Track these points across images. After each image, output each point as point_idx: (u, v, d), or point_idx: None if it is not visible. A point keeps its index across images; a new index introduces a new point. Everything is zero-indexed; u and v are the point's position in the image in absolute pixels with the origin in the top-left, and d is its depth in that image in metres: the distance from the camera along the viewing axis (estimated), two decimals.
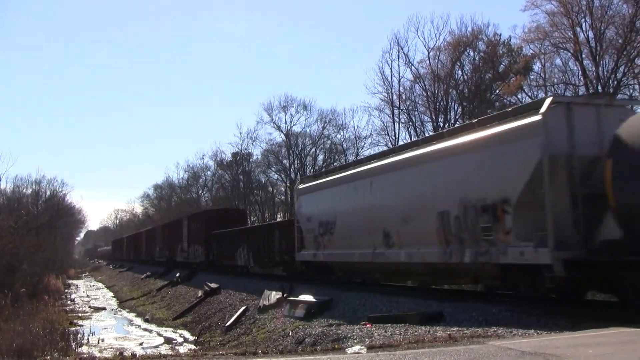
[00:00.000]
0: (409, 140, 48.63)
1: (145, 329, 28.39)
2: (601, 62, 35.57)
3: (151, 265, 59.49)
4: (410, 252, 17.23)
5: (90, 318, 33.21)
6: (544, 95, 40.33)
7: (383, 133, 54.30)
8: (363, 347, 9.78)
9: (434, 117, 47.35)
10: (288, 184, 67.24)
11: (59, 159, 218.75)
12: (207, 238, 40.42)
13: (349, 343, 12.56)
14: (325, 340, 14.36)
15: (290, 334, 17.10)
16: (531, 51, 40.57)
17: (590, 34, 35.80)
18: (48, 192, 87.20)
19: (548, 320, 11.70)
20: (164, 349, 21.11)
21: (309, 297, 20.01)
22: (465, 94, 45.79)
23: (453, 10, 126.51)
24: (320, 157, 67.67)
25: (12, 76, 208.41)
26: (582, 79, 36.57)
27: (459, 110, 46.85)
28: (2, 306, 26.70)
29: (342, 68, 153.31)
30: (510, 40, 45.00)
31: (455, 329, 12.04)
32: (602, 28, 35.38)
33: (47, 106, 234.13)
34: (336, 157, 64.30)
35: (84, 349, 21.26)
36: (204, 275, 37.55)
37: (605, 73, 35.34)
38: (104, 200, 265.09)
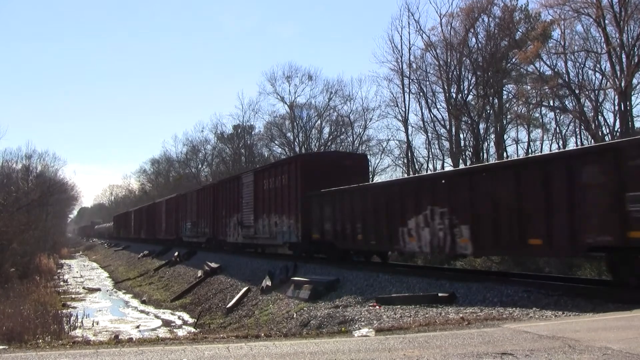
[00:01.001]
0: (420, 112, 48.32)
1: (142, 311, 28.55)
2: (626, 28, 35.10)
3: (151, 244, 59.63)
4: None
5: (84, 300, 33.42)
6: (563, 63, 40.05)
7: (392, 104, 54.00)
8: (371, 329, 9.78)
9: (446, 88, 47.01)
10: None
11: (51, 131, 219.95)
12: (305, 202, 25.50)
13: (357, 325, 12.59)
14: (331, 322, 14.40)
15: (294, 316, 17.16)
16: (550, 17, 40.11)
17: None
18: (39, 167, 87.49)
19: (567, 301, 11.70)
20: (162, 332, 21.24)
21: (314, 278, 20.06)
22: (479, 62, 45.35)
23: None
24: (326, 129, 67.45)
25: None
26: (604, 46, 36.13)
27: (473, 80, 46.51)
28: None
29: (349, 36, 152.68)
30: (527, 5, 44.51)
31: (468, 310, 12.05)
32: None
33: (38, 76, 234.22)
34: (343, 130, 64.11)
35: (78, 332, 21.44)
36: (204, 254, 37.69)
37: (630, 40, 34.87)
38: (98, 174, 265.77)
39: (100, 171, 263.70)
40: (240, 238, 32.88)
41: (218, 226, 37.45)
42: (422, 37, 49.80)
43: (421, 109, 49.33)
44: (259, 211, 29.98)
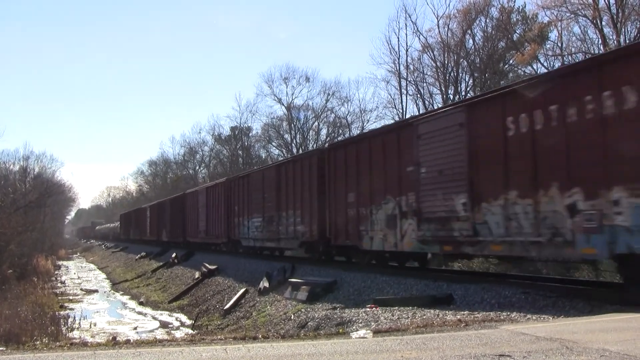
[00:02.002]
0: (417, 114, 48.34)
1: (140, 313, 28.53)
2: (623, 29, 35.19)
3: (147, 246, 59.48)
4: None
5: (82, 301, 33.38)
6: (560, 65, 40.07)
7: (390, 106, 54.15)
8: (369, 331, 9.77)
9: (443, 89, 47.10)
10: None
11: (48, 133, 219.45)
12: None
13: (354, 327, 12.58)
14: (328, 324, 14.39)
15: (292, 317, 17.15)
16: (547, 18, 40.22)
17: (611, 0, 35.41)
18: (36, 169, 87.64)
19: (565, 303, 11.69)
20: (160, 334, 21.21)
21: (311, 279, 20.05)
22: (476, 64, 45.46)
23: None
24: (324, 131, 67.59)
25: None
26: (602, 48, 36.21)
27: (470, 81, 46.58)
28: None
29: (346, 37, 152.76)
30: (525, 6, 44.68)
31: (466, 312, 12.04)
32: None
33: (35, 77, 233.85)
34: (340, 131, 64.17)
35: (75, 333, 21.45)
36: (202, 255, 37.61)
37: (627, 42, 34.88)
38: (96, 176, 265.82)
39: (98, 172, 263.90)
40: (414, 241, 17.20)
41: (335, 222, 21.79)
42: (419, 38, 50.04)
43: (418, 111, 49.37)
44: (489, 186, 14.74)
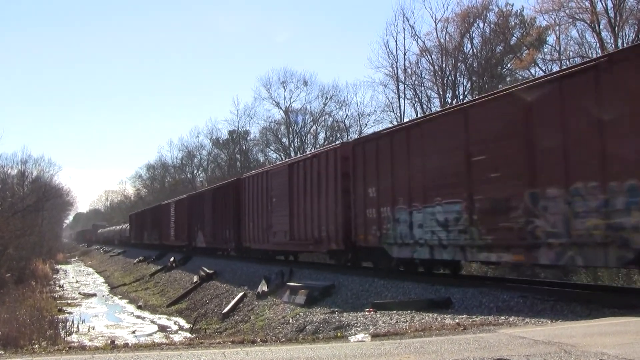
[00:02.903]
0: (415, 117, 48.49)
1: (138, 316, 28.47)
2: (620, 33, 35.26)
3: (145, 250, 59.35)
4: None
5: (80, 305, 33.33)
6: (558, 69, 40.11)
7: (388, 109, 54.12)
8: (367, 335, 9.77)
9: (441, 93, 47.12)
10: None
11: (46, 136, 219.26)
12: None
13: (352, 331, 12.57)
14: (327, 328, 14.37)
15: (290, 321, 17.14)
16: (545, 22, 40.29)
17: (609, 3, 35.45)
18: (35, 173, 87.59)
19: (563, 307, 11.70)
20: (158, 338, 21.16)
21: (309, 283, 20.03)
22: (474, 68, 45.49)
23: None
24: (322, 135, 67.59)
25: None
26: (599, 51, 36.24)
27: (468, 85, 46.62)
28: None
29: (344, 41, 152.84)
30: (523, 10, 44.75)
31: (464, 316, 12.04)
32: None
33: (33, 80, 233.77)
34: (338, 135, 64.14)
35: (74, 337, 21.40)
36: (200, 259, 37.56)
37: (625, 45, 34.97)
38: (94, 179, 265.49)
39: (96, 175, 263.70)
40: None
41: None
42: (417, 42, 49.88)
43: (417, 114, 49.34)
44: None
